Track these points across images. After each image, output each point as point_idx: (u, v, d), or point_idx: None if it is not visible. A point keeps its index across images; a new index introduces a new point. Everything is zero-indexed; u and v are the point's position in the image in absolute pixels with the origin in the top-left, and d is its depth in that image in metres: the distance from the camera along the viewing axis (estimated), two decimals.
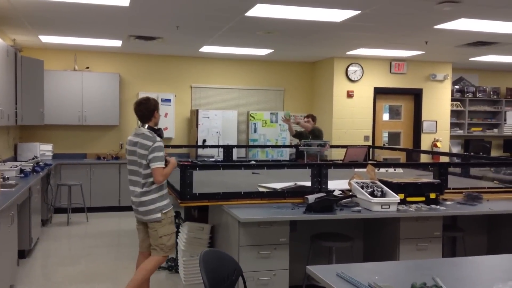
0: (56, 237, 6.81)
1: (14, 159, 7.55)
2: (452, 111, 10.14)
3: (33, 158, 7.36)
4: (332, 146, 7.56)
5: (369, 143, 9.21)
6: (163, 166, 3.88)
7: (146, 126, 4.01)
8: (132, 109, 8.98)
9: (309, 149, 6.91)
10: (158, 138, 3.94)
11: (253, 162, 7.18)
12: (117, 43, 7.90)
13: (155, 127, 4.06)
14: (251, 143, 9.29)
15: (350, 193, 4.25)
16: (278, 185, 4.56)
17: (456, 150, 10.58)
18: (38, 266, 5.56)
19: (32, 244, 5.77)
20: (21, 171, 5.99)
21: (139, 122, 4.11)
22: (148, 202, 3.94)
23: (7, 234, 4.30)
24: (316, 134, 7.31)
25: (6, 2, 5.32)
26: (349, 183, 4.33)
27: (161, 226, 3.96)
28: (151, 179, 3.90)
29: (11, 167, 5.91)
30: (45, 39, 7.61)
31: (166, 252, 4.05)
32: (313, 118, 7.50)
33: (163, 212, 3.96)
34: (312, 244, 4.15)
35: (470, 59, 9.12)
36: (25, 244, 5.51)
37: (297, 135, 7.55)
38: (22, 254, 5.50)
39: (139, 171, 3.93)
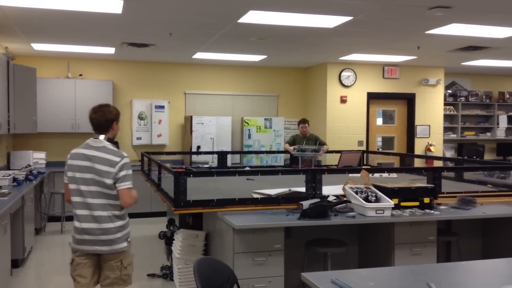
0: (50, 245, 6.76)
1: (7, 167, 7.51)
2: (445, 116, 10.19)
3: (26, 167, 7.32)
4: (326, 152, 7.57)
5: (363, 148, 9.24)
6: (132, 186, 3.32)
7: (103, 137, 3.35)
8: (125, 115, 8.91)
9: (303, 154, 6.92)
10: (125, 153, 3.36)
11: (247, 168, 7.18)
12: (110, 50, 7.89)
13: (114, 140, 3.44)
14: (245, 149, 9.29)
15: (345, 199, 4.25)
16: (272, 191, 4.55)
17: (449, 154, 10.63)
18: (31, 275, 5.51)
19: (25, 253, 5.73)
20: (14, 179, 5.95)
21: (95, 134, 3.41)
22: (115, 230, 3.29)
23: (0, 244, 4.26)
24: (315, 139, 7.33)
25: None
26: (344, 189, 4.33)
27: (126, 255, 3.39)
28: (118, 202, 3.31)
29: (4, 176, 5.87)
30: (38, 46, 7.59)
31: (129, 283, 3.47)
32: (309, 123, 7.51)
33: (128, 240, 3.42)
34: (307, 250, 4.15)
35: (462, 63, 9.18)
36: (19, 253, 5.47)
37: (292, 141, 7.52)
38: (16, 263, 5.46)
39: (104, 192, 3.26)
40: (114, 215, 3.30)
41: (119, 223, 3.32)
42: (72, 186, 3.29)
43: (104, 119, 3.34)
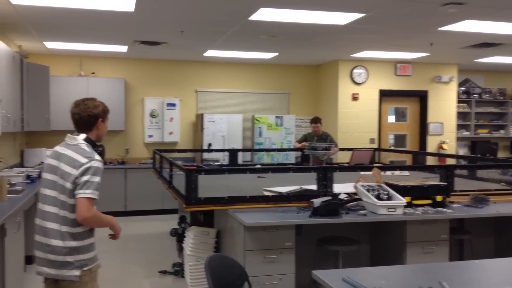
0: None
1: (21, 165, 7.58)
2: (458, 113, 10.10)
3: (39, 164, 7.38)
4: (334, 153, 7.54)
5: (375, 145, 9.18)
6: (96, 198, 2.61)
7: (83, 136, 2.76)
8: (137, 113, 8.96)
9: (314, 152, 6.91)
10: (97, 156, 2.69)
11: (258, 166, 7.18)
12: (123, 48, 7.93)
13: (97, 143, 2.83)
14: (256, 147, 9.28)
15: (356, 197, 4.24)
16: (283, 189, 4.55)
17: (462, 152, 10.53)
18: None
19: None
20: (28, 177, 6.01)
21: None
22: (65, 251, 2.61)
23: (14, 240, 4.31)
24: (326, 137, 7.30)
25: (12, 9, 5.36)
26: (355, 186, 4.31)
27: (81, 287, 2.66)
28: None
29: (17, 173, 5.93)
30: (51, 45, 7.66)
31: None
32: (321, 122, 7.47)
33: (85, 269, 2.66)
34: (318, 248, 4.14)
35: (475, 60, 9.08)
36: (32, 249, 5.51)
37: (303, 140, 7.48)
38: (29, 259, 5.51)
39: (60, 199, 2.63)
40: (67, 231, 2.62)
41: (71, 243, 2.62)
42: (41, 190, 2.76)
43: (87, 115, 2.75)
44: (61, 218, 2.64)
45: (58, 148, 2.77)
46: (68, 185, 2.61)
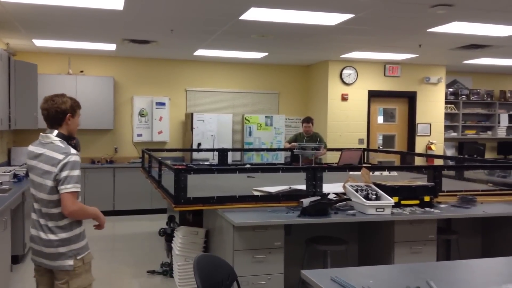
0: None
1: (8, 163, 7.51)
2: (446, 114, 10.18)
3: (26, 163, 7.32)
4: (326, 149, 7.57)
5: (364, 146, 9.23)
6: (78, 190, 2.73)
7: (55, 133, 2.83)
8: (126, 112, 8.91)
9: (303, 152, 6.92)
10: (73, 150, 2.78)
11: (248, 166, 7.18)
12: (111, 46, 7.88)
13: (70, 136, 2.90)
14: (246, 147, 9.28)
15: (345, 197, 4.25)
16: (273, 189, 4.55)
17: (450, 152, 10.62)
18: (31, 271, 5.45)
19: (25, 249, 5.73)
20: (15, 175, 5.95)
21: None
22: (57, 243, 2.77)
23: (0, 239, 4.27)
24: (315, 138, 7.32)
25: (0, 6, 5.31)
26: (344, 187, 4.33)
27: (75, 277, 2.80)
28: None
29: (4, 172, 5.88)
30: (39, 43, 7.59)
31: None
32: (313, 122, 7.49)
33: (78, 257, 2.81)
34: (307, 248, 4.15)
35: (463, 62, 9.16)
36: (19, 249, 5.48)
37: (294, 140, 7.50)
38: (16, 259, 5.46)
39: (43, 198, 2.78)
40: (55, 226, 2.77)
41: (62, 235, 2.77)
42: (31, 190, 2.91)
43: (55, 110, 2.81)
44: (45, 214, 2.78)
45: (33, 148, 2.86)
46: (49, 182, 2.72)
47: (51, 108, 2.82)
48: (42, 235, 2.81)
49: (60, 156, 2.72)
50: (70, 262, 2.79)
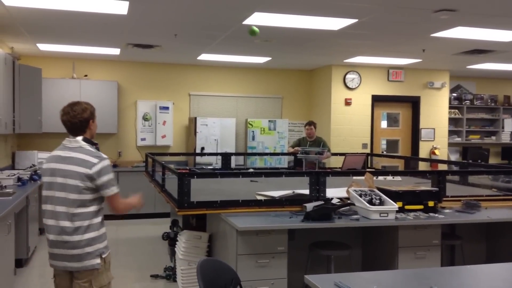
0: None
1: (12, 167, 7.53)
2: (450, 119, 10.16)
3: (30, 166, 7.34)
4: (327, 157, 7.55)
5: (367, 150, 9.21)
6: (119, 190, 2.96)
7: (81, 137, 2.97)
8: (130, 116, 8.93)
9: (307, 156, 6.92)
10: (103, 154, 2.94)
11: (251, 170, 7.17)
12: (115, 51, 7.91)
13: (92, 139, 3.04)
14: (249, 151, 9.28)
15: (348, 201, 4.24)
16: (276, 193, 4.54)
17: (454, 157, 10.59)
18: (35, 275, 5.53)
19: (29, 253, 5.74)
20: (19, 179, 5.97)
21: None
22: (84, 243, 2.86)
23: (4, 243, 4.28)
24: (318, 142, 7.33)
25: (4, 10, 5.33)
26: (347, 191, 4.32)
27: (97, 276, 2.93)
28: (91, 209, 2.88)
29: (8, 176, 5.90)
30: (43, 47, 7.62)
31: None
32: (315, 125, 7.51)
33: (103, 256, 2.95)
34: (311, 253, 4.14)
35: (467, 67, 9.15)
36: (22, 253, 5.48)
37: (297, 145, 7.52)
38: (19, 263, 5.47)
39: (70, 199, 2.85)
40: (81, 226, 2.86)
41: (89, 235, 2.88)
42: (45, 193, 2.95)
43: (78, 121, 2.95)
44: (74, 215, 2.85)
45: (59, 153, 2.96)
46: (80, 183, 2.84)
47: (74, 119, 2.95)
48: (67, 237, 2.85)
49: (94, 160, 2.87)
50: (98, 260, 2.91)
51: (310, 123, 7.50)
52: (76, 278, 2.92)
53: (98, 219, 2.94)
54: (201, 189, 4.77)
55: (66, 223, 2.85)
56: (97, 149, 3.01)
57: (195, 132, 8.88)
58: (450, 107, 10.25)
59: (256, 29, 4.30)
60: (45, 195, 2.95)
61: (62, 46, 7.56)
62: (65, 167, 2.88)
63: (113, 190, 2.91)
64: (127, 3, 4.93)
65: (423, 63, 8.86)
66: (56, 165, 2.92)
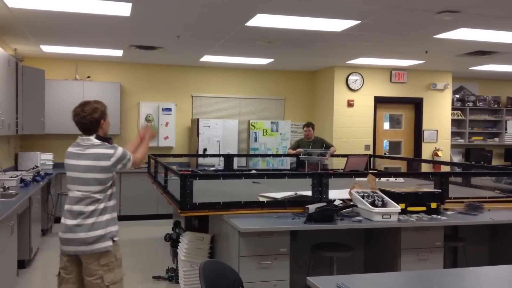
0: (56, 247, 6.71)
1: (15, 168, 7.55)
2: (452, 120, 10.14)
3: (33, 168, 7.36)
4: (332, 155, 7.56)
5: (370, 152, 9.20)
6: (130, 154, 3.23)
7: (94, 136, 3.15)
8: (132, 118, 8.96)
9: (309, 158, 6.91)
10: (116, 145, 3.18)
11: (253, 171, 7.17)
12: (118, 52, 7.92)
13: (106, 136, 3.23)
14: (251, 152, 9.28)
15: (351, 203, 4.24)
16: (278, 195, 4.54)
17: (457, 159, 10.57)
18: (38, 276, 5.53)
19: (32, 254, 5.75)
20: (22, 180, 5.98)
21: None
22: (96, 225, 3.02)
23: (6, 244, 4.28)
24: (319, 142, 7.34)
25: (7, 12, 5.35)
26: (350, 193, 4.31)
27: (108, 272, 3.02)
28: (108, 193, 3.12)
29: (11, 177, 5.91)
30: (46, 48, 7.64)
31: None
32: (313, 127, 7.52)
33: (115, 239, 3.09)
34: (313, 254, 4.13)
35: (470, 68, 9.14)
36: (25, 254, 5.49)
37: (297, 146, 7.52)
38: (22, 264, 5.48)
39: (90, 189, 3.06)
40: (96, 208, 3.05)
41: (103, 217, 3.06)
42: (68, 186, 3.18)
43: (89, 121, 3.11)
44: (88, 202, 3.03)
45: (74, 149, 3.14)
46: (100, 175, 3.05)
47: (84, 119, 3.10)
48: (81, 221, 3.01)
49: (110, 151, 3.08)
50: (110, 243, 3.04)
51: (309, 124, 7.50)
52: (87, 274, 3.02)
53: (111, 203, 3.13)
54: (203, 191, 4.78)
55: (82, 208, 3.02)
56: (110, 143, 3.17)
57: (198, 134, 8.89)
58: (453, 109, 10.23)
59: None
60: (68, 188, 3.17)
61: (65, 48, 7.58)
62: (83, 162, 3.06)
63: (130, 159, 3.15)
64: (130, 4, 4.94)
65: (426, 65, 8.85)
66: (72, 161, 3.12)
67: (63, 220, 3.11)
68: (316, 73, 9.94)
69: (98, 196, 3.07)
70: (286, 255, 3.78)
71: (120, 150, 3.12)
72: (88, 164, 3.06)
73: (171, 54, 8.05)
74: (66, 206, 3.12)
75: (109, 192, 3.12)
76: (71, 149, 3.18)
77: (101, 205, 3.06)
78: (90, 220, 3.02)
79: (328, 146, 7.26)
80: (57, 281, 3.18)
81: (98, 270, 3.00)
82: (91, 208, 3.03)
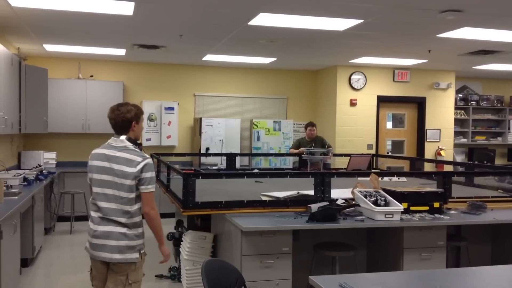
0: (59, 245, 6.80)
1: (18, 167, 7.57)
2: (455, 120, 10.12)
3: (36, 166, 7.37)
4: (335, 155, 7.57)
5: (373, 151, 9.19)
6: (154, 190, 3.13)
7: (124, 137, 3.14)
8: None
9: (312, 157, 6.91)
10: (146, 154, 3.16)
11: (256, 171, 7.17)
12: (121, 51, 7.93)
13: (136, 140, 3.21)
14: (254, 151, 9.29)
15: (353, 202, 4.24)
16: (281, 194, 4.54)
17: (460, 158, 10.55)
18: (40, 274, 5.55)
19: (35, 253, 5.76)
20: (25, 179, 6.00)
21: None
22: (131, 236, 3.05)
23: (10, 243, 4.29)
24: (320, 141, 7.35)
25: (11, 11, 5.36)
26: (352, 192, 4.31)
27: (134, 271, 3.09)
28: (138, 206, 3.09)
29: (14, 175, 5.92)
30: (49, 47, 7.65)
31: None
32: (316, 126, 7.54)
33: (142, 251, 3.14)
34: (315, 254, 4.13)
35: (473, 67, 9.12)
36: (28, 252, 5.51)
37: (298, 145, 7.53)
38: (25, 262, 5.50)
39: (119, 195, 3.03)
40: (129, 222, 3.04)
41: (135, 231, 3.07)
42: (94, 189, 3.10)
43: (121, 119, 3.11)
44: (123, 211, 3.02)
45: (104, 151, 3.11)
46: (128, 182, 3.01)
47: (118, 117, 3.11)
48: (113, 228, 3.01)
49: (139, 158, 3.04)
50: (137, 255, 3.07)
51: (313, 124, 7.52)
52: (113, 270, 3.06)
53: (141, 217, 3.12)
54: (206, 190, 4.78)
55: (115, 218, 3.01)
56: (141, 149, 3.17)
57: (200, 133, 8.90)
58: (456, 108, 10.21)
59: None
60: (95, 192, 3.10)
61: (68, 47, 7.59)
62: (113, 166, 3.04)
63: (149, 188, 3.05)
64: (133, 4, 4.94)
65: (429, 64, 8.83)
66: (102, 163, 3.07)
67: (91, 224, 3.09)
68: (319, 72, 9.93)
69: (130, 207, 3.05)
70: (288, 254, 3.78)
71: (149, 161, 3.07)
72: (119, 169, 3.03)
73: (174, 53, 8.06)
74: (97, 213, 3.08)
75: (138, 205, 3.08)
76: (99, 150, 3.13)
77: (136, 219, 3.08)
78: (121, 230, 3.03)
79: (328, 146, 7.26)
80: (89, 276, 3.24)
81: (127, 268, 3.07)
82: (124, 219, 3.03)
